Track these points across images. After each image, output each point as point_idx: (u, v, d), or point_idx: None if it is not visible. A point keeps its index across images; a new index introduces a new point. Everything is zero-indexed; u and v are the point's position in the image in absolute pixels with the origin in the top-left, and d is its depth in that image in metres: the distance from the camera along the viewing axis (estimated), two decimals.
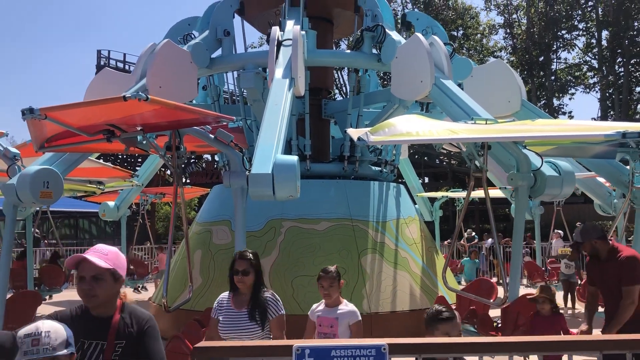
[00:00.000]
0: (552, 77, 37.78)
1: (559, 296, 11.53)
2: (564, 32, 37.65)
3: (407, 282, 8.59)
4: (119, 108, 4.88)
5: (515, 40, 38.51)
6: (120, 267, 2.61)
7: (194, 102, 10.50)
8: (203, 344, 2.27)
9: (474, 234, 19.31)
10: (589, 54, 38.00)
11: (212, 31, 9.51)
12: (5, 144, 7.36)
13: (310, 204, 8.61)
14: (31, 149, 6.34)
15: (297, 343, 2.06)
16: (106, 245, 2.69)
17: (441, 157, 34.00)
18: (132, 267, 14.48)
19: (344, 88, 33.96)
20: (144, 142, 5.59)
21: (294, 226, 8.54)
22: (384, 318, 7.98)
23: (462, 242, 17.74)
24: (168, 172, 6.50)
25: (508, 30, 38.89)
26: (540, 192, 6.21)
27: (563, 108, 39.09)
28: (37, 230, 19.59)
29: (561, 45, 38.27)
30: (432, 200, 15.66)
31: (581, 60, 38.67)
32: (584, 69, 38.52)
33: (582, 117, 40.76)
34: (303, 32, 8.46)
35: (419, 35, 8.64)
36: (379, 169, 10.40)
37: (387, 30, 9.28)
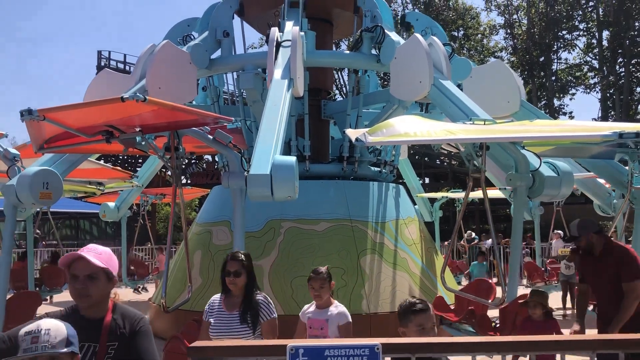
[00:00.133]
0: (553, 78, 37.77)
1: (558, 297, 11.56)
2: (564, 32, 37.64)
3: (407, 283, 8.60)
4: (117, 109, 4.88)
5: (515, 40, 38.50)
6: (113, 267, 2.60)
7: (194, 102, 10.52)
8: (198, 343, 2.28)
9: (473, 234, 19.29)
10: (590, 54, 37.99)
11: (211, 32, 9.52)
12: (5, 145, 7.39)
13: (310, 204, 8.62)
14: (31, 150, 6.35)
15: (291, 343, 2.07)
16: (99, 245, 2.68)
17: (442, 158, 33.99)
18: (132, 267, 14.53)
19: (344, 89, 33.97)
20: (143, 143, 5.59)
21: (293, 227, 8.55)
22: (383, 318, 7.98)
23: (462, 242, 17.73)
24: (169, 172, 6.51)
25: (508, 31, 38.88)
26: (538, 193, 6.21)
27: (564, 108, 39.12)
28: (38, 231, 19.62)
29: (562, 45, 38.27)
30: (432, 200, 15.65)
31: (582, 60, 38.68)
32: (585, 69, 38.51)
33: (583, 118, 40.77)
34: (302, 33, 8.47)
35: (418, 35, 8.65)
36: (379, 169, 10.41)
37: (386, 30, 9.29)
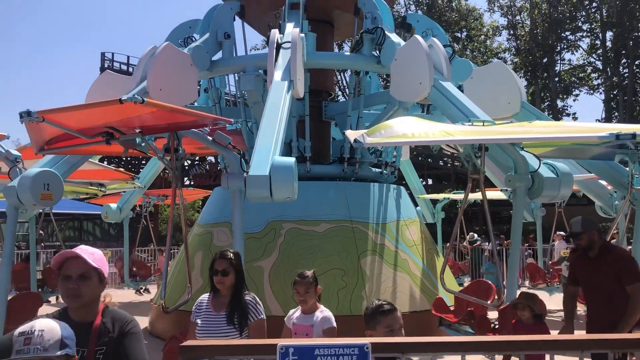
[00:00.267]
0: (556, 79, 37.70)
1: (558, 298, 11.52)
2: (567, 33, 37.56)
3: (407, 284, 8.60)
4: (116, 111, 4.90)
5: (518, 41, 38.45)
6: (104, 269, 2.58)
7: (196, 104, 10.55)
8: (190, 342, 2.30)
9: (476, 236, 19.26)
10: (593, 55, 37.91)
11: (212, 34, 9.55)
12: (8, 146, 7.44)
13: (310, 205, 8.64)
14: (32, 151, 6.38)
15: (281, 342, 2.09)
16: (89, 246, 2.66)
17: (445, 159, 33.95)
18: (135, 269, 14.59)
19: (346, 90, 33.97)
20: (143, 144, 5.62)
21: (293, 228, 8.57)
22: None
23: (464, 244, 17.69)
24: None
25: (512, 32, 38.84)
26: (538, 194, 6.20)
27: (567, 109, 39.07)
28: (41, 232, 19.64)
29: (565, 46, 38.20)
30: (435, 202, 15.63)
31: (585, 61, 38.61)
32: (588, 70, 38.44)
33: (587, 119, 40.64)
34: (302, 35, 8.49)
35: (418, 37, 8.66)
36: (379, 170, 10.42)
37: (386, 32, 9.31)
